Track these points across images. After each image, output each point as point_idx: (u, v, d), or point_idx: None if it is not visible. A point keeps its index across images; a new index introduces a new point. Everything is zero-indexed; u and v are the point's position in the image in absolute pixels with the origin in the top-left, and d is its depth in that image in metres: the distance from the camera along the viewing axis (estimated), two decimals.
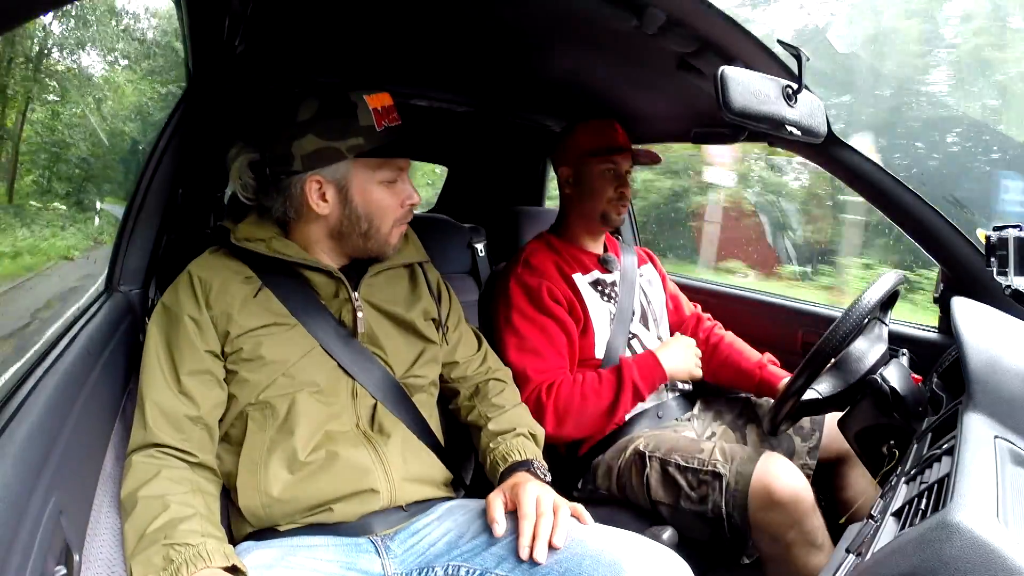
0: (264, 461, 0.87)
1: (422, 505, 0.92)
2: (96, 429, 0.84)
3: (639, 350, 1.35)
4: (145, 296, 1.13)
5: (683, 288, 1.68)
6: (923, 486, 0.66)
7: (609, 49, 1.11)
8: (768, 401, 1.36)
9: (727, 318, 1.61)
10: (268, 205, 0.96)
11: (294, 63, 1.26)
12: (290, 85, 1.26)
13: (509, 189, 2.09)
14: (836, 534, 0.94)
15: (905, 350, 1.09)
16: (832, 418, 1.21)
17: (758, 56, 0.97)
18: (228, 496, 0.90)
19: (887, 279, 1.01)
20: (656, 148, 1.45)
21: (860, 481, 1.21)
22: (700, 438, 1.29)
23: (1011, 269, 1.01)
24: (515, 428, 1.01)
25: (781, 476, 1.02)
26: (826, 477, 1.26)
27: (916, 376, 1.01)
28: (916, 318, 1.37)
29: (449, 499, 0.96)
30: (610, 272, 1.39)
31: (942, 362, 1.04)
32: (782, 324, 1.60)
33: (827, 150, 1.17)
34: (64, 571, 0.60)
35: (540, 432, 1.04)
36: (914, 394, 0.95)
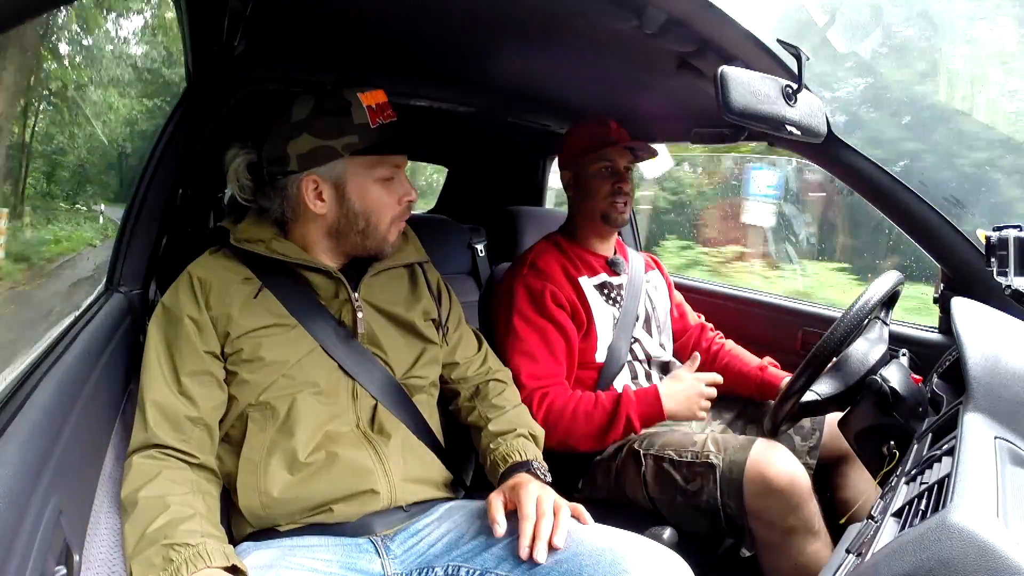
0: (264, 462, 0.87)
1: (422, 506, 0.92)
2: (96, 429, 0.84)
3: (640, 355, 1.36)
4: (145, 296, 1.13)
5: (684, 289, 1.68)
6: (923, 486, 0.66)
7: (609, 49, 1.11)
8: (768, 401, 1.36)
9: (727, 319, 1.61)
10: (266, 206, 0.96)
11: (294, 63, 1.26)
12: (290, 85, 1.26)
13: (509, 189, 2.09)
14: (836, 534, 0.94)
15: (905, 350, 1.09)
16: (832, 418, 1.21)
17: (758, 56, 0.96)
18: (228, 496, 0.90)
19: (887, 279, 1.01)
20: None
21: (860, 481, 1.21)
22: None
23: (1011, 269, 1.01)
24: (515, 429, 1.01)
25: (777, 462, 1.02)
26: (826, 477, 1.26)
27: (916, 376, 1.01)
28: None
29: (449, 500, 0.96)
30: (617, 275, 1.38)
31: (942, 362, 1.04)
32: (782, 325, 1.60)
33: (827, 150, 1.17)
34: (64, 571, 0.60)
35: (540, 433, 1.04)
36: (914, 394, 0.95)
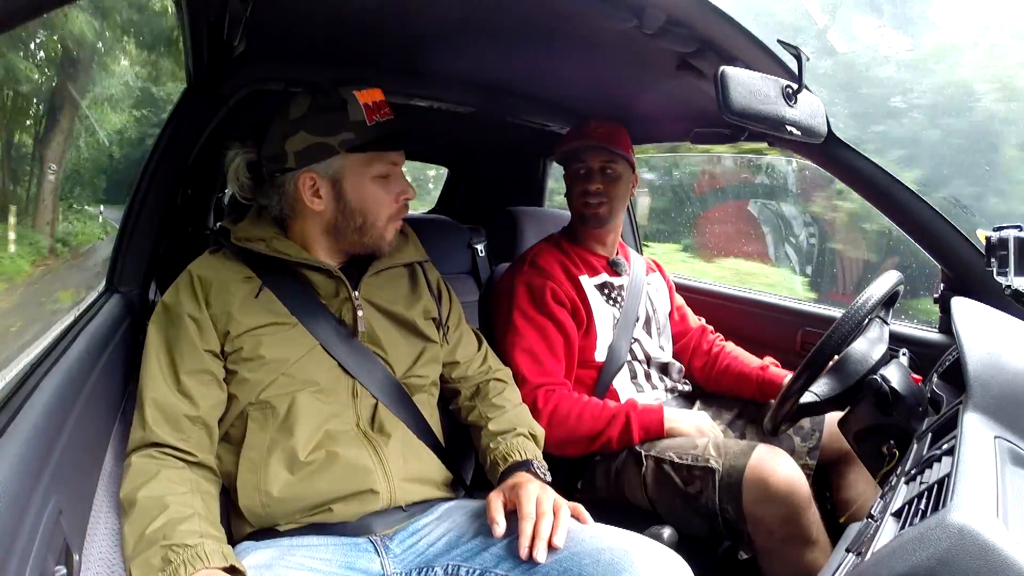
0: (264, 461, 0.87)
1: (422, 505, 0.92)
2: (96, 429, 0.84)
3: (640, 356, 1.36)
4: (145, 296, 1.14)
5: (684, 290, 1.68)
6: (923, 486, 0.66)
7: (609, 49, 1.11)
8: (769, 401, 1.36)
9: (727, 319, 1.61)
10: (265, 204, 0.97)
11: (294, 63, 1.26)
12: (290, 85, 1.26)
13: (509, 189, 2.09)
14: (836, 534, 0.94)
15: (905, 350, 1.09)
16: (832, 418, 1.21)
17: (758, 56, 0.96)
18: (228, 496, 0.90)
19: (887, 279, 1.01)
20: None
21: (860, 481, 1.21)
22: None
23: (1011, 269, 1.01)
24: (515, 428, 1.01)
25: (776, 469, 1.02)
26: (826, 477, 1.26)
27: (916, 376, 1.01)
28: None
29: (449, 499, 0.96)
30: (619, 276, 1.39)
31: (942, 362, 1.04)
32: (782, 324, 1.60)
33: (827, 150, 1.17)
34: (64, 571, 0.60)
35: (540, 432, 1.04)
36: (914, 394, 0.94)
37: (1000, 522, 0.53)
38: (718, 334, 1.53)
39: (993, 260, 1.02)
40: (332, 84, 0.92)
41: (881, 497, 0.78)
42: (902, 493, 0.71)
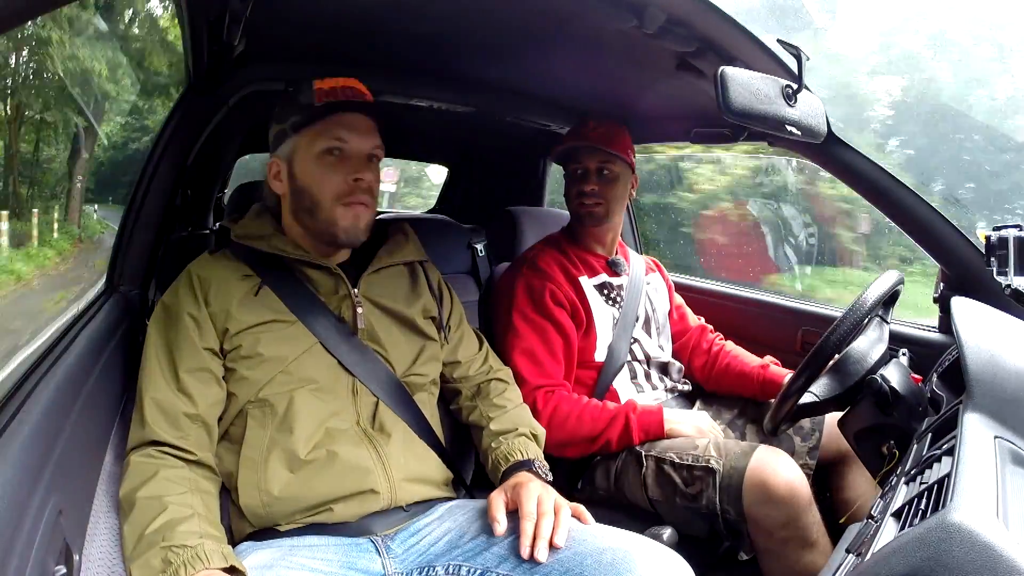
0: (264, 459, 0.87)
1: (423, 505, 0.92)
2: (96, 429, 0.84)
3: (640, 356, 1.36)
4: (145, 296, 1.13)
5: (684, 289, 1.68)
6: (923, 486, 0.66)
7: (609, 49, 1.10)
8: (770, 400, 1.36)
9: (727, 319, 1.61)
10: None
11: (293, 63, 1.26)
12: (289, 85, 1.26)
13: (509, 189, 2.09)
14: (836, 534, 0.94)
15: (905, 350, 1.09)
16: (832, 418, 1.21)
17: (758, 56, 0.96)
18: (229, 496, 0.90)
19: (887, 278, 1.01)
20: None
21: (860, 481, 1.21)
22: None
23: (1011, 269, 1.01)
24: (516, 428, 1.01)
25: (777, 470, 1.02)
26: (826, 477, 1.26)
27: (916, 376, 1.01)
28: None
29: (450, 499, 0.96)
30: (618, 276, 1.39)
31: (942, 362, 1.04)
32: (782, 324, 1.60)
33: (827, 150, 1.17)
34: (64, 571, 0.60)
35: (541, 432, 1.04)
36: (914, 394, 0.94)
37: (1000, 522, 0.53)
38: (718, 333, 1.53)
39: (993, 259, 1.02)
40: (308, 79, 0.95)
41: (881, 497, 0.78)
42: (902, 493, 0.71)
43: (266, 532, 0.87)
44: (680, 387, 1.40)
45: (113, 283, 1.11)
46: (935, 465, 0.70)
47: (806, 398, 1.01)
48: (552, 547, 0.76)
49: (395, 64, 1.31)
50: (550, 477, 0.93)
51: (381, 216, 1.63)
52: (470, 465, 1.20)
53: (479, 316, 1.52)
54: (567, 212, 1.44)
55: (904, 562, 0.52)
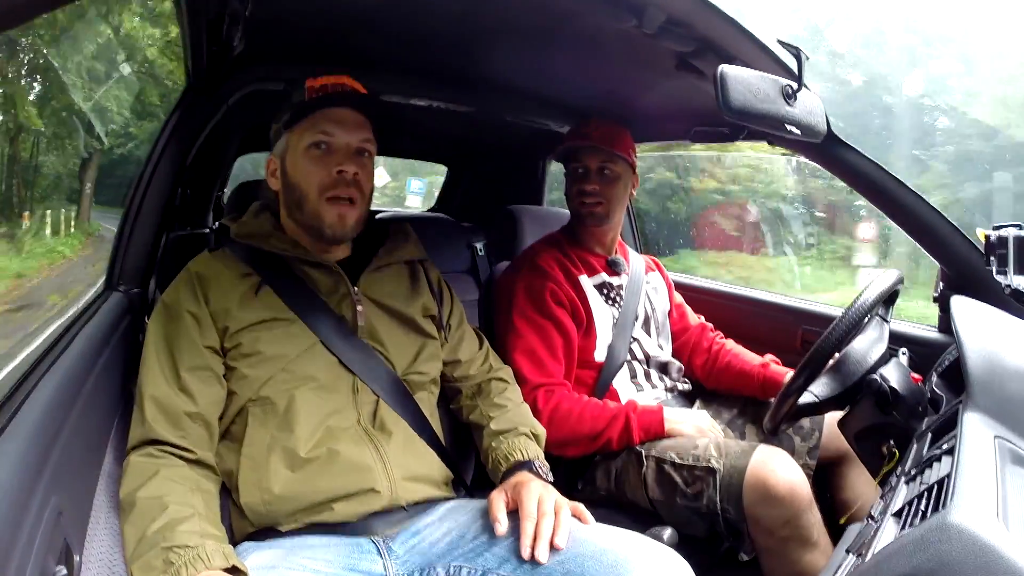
0: (265, 458, 0.87)
1: (423, 505, 0.92)
2: (96, 429, 0.84)
3: (639, 355, 1.36)
4: (145, 295, 1.13)
5: (684, 289, 1.68)
6: (923, 486, 0.66)
7: (609, 49, 1.10)
8: (770, 399, 1.36)
9: (727, 318, 1.61)
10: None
11: (293, 63, 1.26)
12: (289, 85, 1.26)
13: (509, 188, 2.09)
14: (836, 534, 0.94)
15: (905, 349, 1.09)
16: (832, 418, 1.21)
17: (758, 56, 0.96)
18: (230, 496, 0.90)
19: (887, 277, 1.01)
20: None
21: (860, 481, 1.21)
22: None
23: (1011, 268, 1.01)
24: (517, 427, 1.01)
25: (777, 470, 1.02)
26: (826, 477, 1.26)
27: (916, 376, 1.01)
28: None
29: (450, 499, 0.96)
30: (617, 275, 1.39)
31: (942, 362, 1.04)
32: (782, 324, 1.60)
33: (827, 149, 1.17)
34: (64, 571, 0.60)
35: (542, 432, 1.04)
36: (914, 394, 0.94)
37: (1000, 522, 0.53)
38: (718, 332, 1.52)
39: (993, 259, 1.02)
40: (302, 79, 0.97)
41: (881, 497, 0.78)
42: (902, 493, 0.71)
43: (267, 532, 0.87)
44: (680, 386, 1.40)
45: (113, 282, 1.11)
46: (935, 465, 0.70)
47: (806, 397, 1.01)
48: (553, 547, 0.76)
49: (395, 64, 1.31)
50: (550, 477, 0.93)
51: (381, 215, 1.64)
52: (470, 465, 1.20)
53: (479, 315, 1.52)
54: (567, 211, 1.44)
55: (904, 562, 0.52)
